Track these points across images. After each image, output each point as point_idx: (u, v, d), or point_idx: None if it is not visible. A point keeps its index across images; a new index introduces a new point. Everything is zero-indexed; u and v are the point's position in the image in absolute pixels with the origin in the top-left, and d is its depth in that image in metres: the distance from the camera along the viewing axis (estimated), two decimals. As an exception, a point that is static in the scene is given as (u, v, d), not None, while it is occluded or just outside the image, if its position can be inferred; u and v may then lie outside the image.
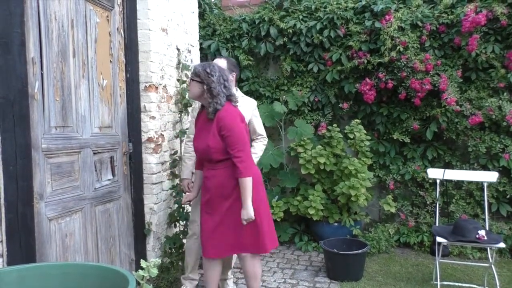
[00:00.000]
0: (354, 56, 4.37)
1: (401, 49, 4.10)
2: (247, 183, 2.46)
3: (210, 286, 2.75)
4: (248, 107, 3.09)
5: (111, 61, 2.90)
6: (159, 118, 3.37)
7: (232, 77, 3.01)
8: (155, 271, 1.50)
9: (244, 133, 2.51)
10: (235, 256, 3.21)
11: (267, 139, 3.22)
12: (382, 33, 4.18)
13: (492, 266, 3.01)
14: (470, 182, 4.13)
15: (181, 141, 3.61)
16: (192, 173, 3.13)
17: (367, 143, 4.26)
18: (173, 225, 3.55)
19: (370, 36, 4.36)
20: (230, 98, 2.56)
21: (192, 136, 3.13)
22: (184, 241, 3.38)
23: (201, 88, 2.52)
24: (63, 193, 2.40)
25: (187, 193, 2.88)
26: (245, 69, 4.79)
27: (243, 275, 2.79)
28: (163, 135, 3.44)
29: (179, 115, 3.69)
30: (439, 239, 3.00)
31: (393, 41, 4.13)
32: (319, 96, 4.65)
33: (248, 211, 2.47)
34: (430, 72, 4.07)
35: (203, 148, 2.55)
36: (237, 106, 2.62)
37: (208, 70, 2.50)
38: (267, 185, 4.63)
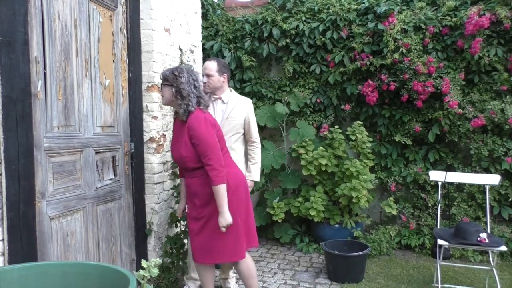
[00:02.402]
0: (357, 58, 4.36)
1: (404, 51, 4.10)
2: (220, 190, 2.45)
3: None
4: (243, 107, 3.07)
5: (113, 61, 2.91)
6: (161, 118, 3.37)
7: (223, 78, 3.01)
8: (156, 271, 1.50)
9: (213, 140, 2.47)
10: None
11: (260, 143, 3.19)
12: (385, 35, 4.18)
13: (494, 269, 3.00)
14: (472, 185, 4.12)
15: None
16: None
17: (369, 145, 4.26)
18: (174, 225, 3.55)
19: (373, 38, 4.36)
20: (199, 100, 2.54)
21: None
22: (185, 241, 3.38)
23: (171, 91, 2.52)
24: (64, 192, 2.41)
25: (179, 205, 2.92)
26: (247, 70, 4.80)
27: (239, 277, 2.79)
28: (165, 135, 3.44)
29: (181, 115, 3.69)
30: (440, 241, 2.99)
31: (396, 43, 4.13)
32: (321, 97, 4.65)
33: (226, 218, 2.46)
34: (433, 75, 4.06)
35: (178, 157, 2.57)
36: (207, 111, 2.59)
37: (176, 73, 2.51)
38: (268, 186, 4.64)
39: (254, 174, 3.11)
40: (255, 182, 3.24)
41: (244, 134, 3.10)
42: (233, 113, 3.01)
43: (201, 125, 2.46)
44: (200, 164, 2.50)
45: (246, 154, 3.16)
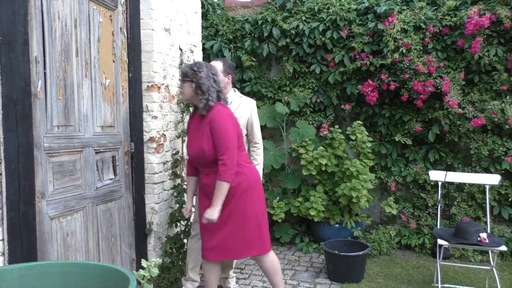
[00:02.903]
0: (357, 58, 4.36)
1: (404, 51, 4.10)
2: (223, 187, 2.43)
3: (209, 287, 2.75)
4: (246, 107, 3.08)
5: (113, 61, 2.91)
6: (161, 118, 3.37)
7: (228, 80, 3.02)
8: (155, 271, 1.50)
9: (232, 136, 2.47)
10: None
11: (262, 145, 3.20)
12: (385, 35, 4.18)
13: (494, 269, 3.00)
14: (472, 185, 4.12)
15: (183, 141, 3.61)
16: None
17: (369, 144, 4.25)
18: (174, 225, 3.55)
19: (373, 38, 4.36)
20: (219, 95, 2.54)
21: None
22: (185, 241, 3.39)
23: (191, 87, 2.52)
24: (64, 192, 2.41)
25: (187, 208, 2.87)
26: (247, 69, 4.79)
27: (264, 273, 2.78)
28: (165, 135, 3.44)
29: (181, 115, 3.69)
30: (440, 241, 2.99)
31: (396, 43, 4.13)
32: (321, 97, 4.65)
33: (213, 213, 2.44)
34: (433, 74, 4.06)
35: (197, 153, 2.54)
36: (227, 106, 2.61)
37: (195, 68, 2.52)
38: (268, 186, 4.64)
39: None
40: None
41: (247, 135, 3.11)
42: (236, 113, 3.00)
43: (223, 119, 2.47)
44: None
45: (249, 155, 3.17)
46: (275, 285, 2.73)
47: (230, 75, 3.03)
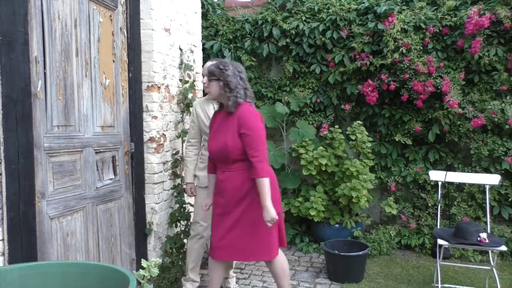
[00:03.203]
0: (357, 58, 4.36)
1: (404, 51, 4.10)
2: (266, 184, 2.42)
3: (212, 286, 2.74)
4: None
5: (113, 61, 2.91)
6: (161, 118, 3.37)
7: None
8: (155, 271, 1.50)
9: (262, 134, 2.51)
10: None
11: None
12: (385, 35, 4.18)
13: (494, 269, 3.00)
14: (472, 185, 4.12)
15: (183, 141, 3.61)
16: (195, 176, 3.12)
17: (369, 144, 4.25)
18: (174, 225, 3.55)
19: (373, 38, 4.36)
20: (246, 92, 2.57)
21: (192, 141, 3.14)
22: (185, 241, 3.39)
23: (219, 85, 2.53)
24: (64, 192, 2.41)
25: (205, 203, 2.82)
26: (247, 69, 4.79)
27: (272, 275, 2.76)
28: (165, 135, 3.44)
29: (181, 115, 3.69)
30: (440, 241, 2.99)
31: (396, 43, 4.13)
32: (321, 97, 4.65)
33: (270, 212, 2.40)
34: (433, 74, 4.06)
35: (220, 148, 2.53)
36: (252, 103, 2.63)
37: (221, 66, 2.54)
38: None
39: None
40: None
41: None
42: None
43: (253, 117, 2.49)
44: (242, 156, 2.48)
45: None
46: None
47: None
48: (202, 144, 3.14)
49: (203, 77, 3.00)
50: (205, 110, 3.06)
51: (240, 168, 2.51)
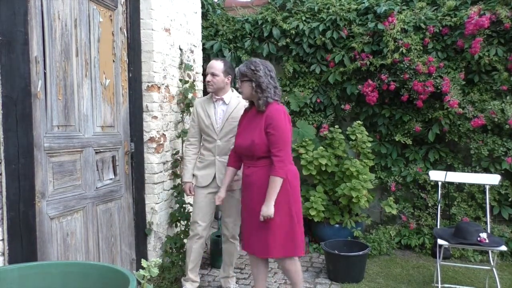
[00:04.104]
0: (357, 58, 4.36)
1: (404, 51, 4.10)
2: (277, 183, 2.48)
3: (257, 283, 2.78)
4: (244, 106, 3.04)
5: (114, 61, 2.91)
6: (161, 118, 3.37)
7: (227, 80, 3.02)
8: (155, 271, 1.50)
9: (289, 134, 2.55)
10: (235, 254, 3.22)
11: None
12: (385, 35, 4.17)
13: (494, 269, 3.00)
14: (472, 185, 4.12)
15: (183, 141, 3.61)
16: (193, 175, 3.12)
17: (369, 144, 4.25)
18: (174, 224, 3.56)
19: (373, 38, 4.36)
20: (275, 91, 2.60)
21: (192, 140, 3.14)
22: (185, 241, 3.38)
23: (251, 86, 2.58)
24: (64, 192, 2.41)
25: (218, 195, 2.83)
26: (247, 69, 4.79)
27: (282, 272, 2.80)
28: (165, 135, 3.44)
29: (181, 115, 3.69)
30: (440, 241, 2.99)
31: (396, 43, 4.13)
32: (321, 97, 4.65)
33: (269, 209, 2.49)
34: (433, 74, 4.06)
35: (248, 144, 2.59)
36: (281, 103, 2.67)
37: (253, 67, 2.58)
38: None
39: None
40: None
41: None
42: (234, 114, 3.00)
43: (281, 116, 2.53)
44: (268, 153, 2.54)
45: None
46: None
47: (230, 75, 3.04)
48: (201, 144, 3.14)
49: (207, 75, 3.00)
50: (205, 109, 3.06)
51: (265, 164, 2.57)
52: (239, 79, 2.66)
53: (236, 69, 2.71)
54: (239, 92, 2.79)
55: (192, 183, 3.13)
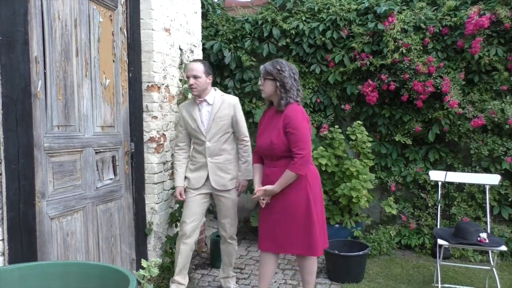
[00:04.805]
0: (357, 58, 4.36)
1: (404, 51, 4.10)
2: (290, 177, 2.53)
3: (262, 282, 2.76)
4: (229, 105, 3.03)
5: (114, 61, 2.91)
6: (161, 118, 3.37)
7: (209, 80, 3.00)
8: (155, 271, 1.50)
9: (308, 133, 2.57)
10: (234, 255, 3.21)
11: (250, 141, 3.17)
12: (385, 35, 4.18)
13: (494, 269, 3.00)
14: (472, 185, 4.12)
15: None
16: (186, 178, 3.10)
17: (369, 144, 4.25)
18: (174, 225, 3.56)
19: (373, 38, 4.36)
20: (297, 93, 2.63)
21: (181, 144, 3.12)
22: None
23: (274, 85, 2.60)
24: (64, 192, 2.41)
25: (255, 190, 2.77)
26: (247, 70, 4.79)
27: (298, 268, 2.81)
28: (165, 135, 3.44)
29: (181, 115, 3.69)
30: (440, 241, 2.99)
31: (396, 43, 4.13)
32: (321, 97, 4.65)
33: (269, 192, 2.58)
34: (433, 74, 4.06)
35: (267, 144, 2.62)
36: (300, 104, 2.67)
37: (279, 67, 2.60)
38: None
39: (246, 173, 3.08)
40: (249, 182, 3.14)
41: (234, 133, 3.08)
42: (220, 114, 2.98)
43: (299, 116, 2.55)
44: (287, 153, 2.56)
45: (238, 154, 3.13)
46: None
47: (210, 75, 3.02)
48: (192, 147, 3.13)
49: (188, 78, 2.97)
50: (190, 113, 3.03)
51: (285, 164, 2.58)
52: (262, 77, 2.66)
53: (261, 66, 2.71)
54: (260, 90, 2.76)
55: (183, 187, 3.09)
